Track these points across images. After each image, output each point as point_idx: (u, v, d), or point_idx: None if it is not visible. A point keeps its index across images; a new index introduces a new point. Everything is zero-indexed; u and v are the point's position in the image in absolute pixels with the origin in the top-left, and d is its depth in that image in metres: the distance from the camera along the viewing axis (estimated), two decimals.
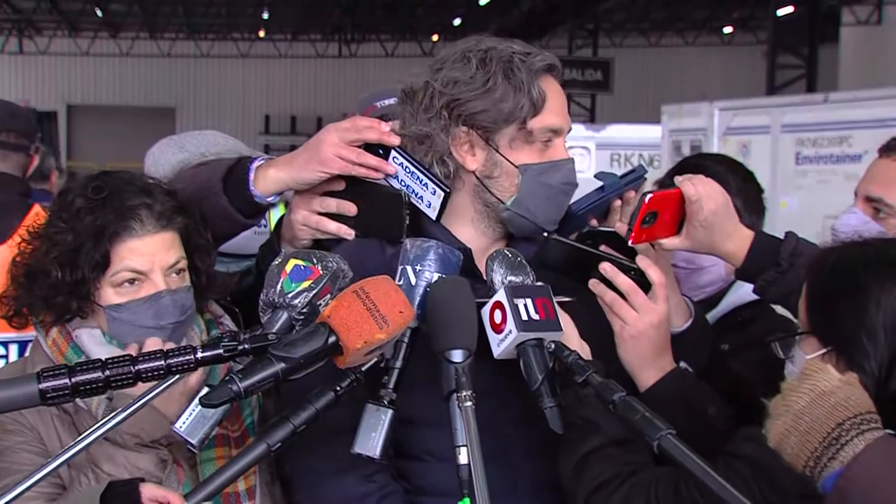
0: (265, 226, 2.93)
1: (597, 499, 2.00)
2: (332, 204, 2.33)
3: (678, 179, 2.22)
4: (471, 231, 2.27)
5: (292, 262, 1.90)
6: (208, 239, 2.27)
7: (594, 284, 2.21)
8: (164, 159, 2.81)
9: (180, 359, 1.74)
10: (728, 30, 31.99)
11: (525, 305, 1.95)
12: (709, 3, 27.90)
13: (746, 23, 30.19)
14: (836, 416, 1.62)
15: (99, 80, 35.46)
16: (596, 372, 1.91)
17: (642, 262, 2.22)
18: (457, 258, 2.07)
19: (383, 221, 2.28)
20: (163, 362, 1.73)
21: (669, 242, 2.24)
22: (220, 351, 1.76)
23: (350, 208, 2.33)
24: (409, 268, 2.02)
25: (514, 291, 1.97)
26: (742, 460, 1.91)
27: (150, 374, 1.72)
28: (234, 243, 2.53)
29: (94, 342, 2.17)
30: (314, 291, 1.88)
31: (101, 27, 33.74)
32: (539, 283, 2.04)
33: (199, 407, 1.73)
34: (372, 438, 1.91)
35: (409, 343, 1.96)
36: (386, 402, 1.93)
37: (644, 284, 2.21)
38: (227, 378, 1.73)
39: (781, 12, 19.54)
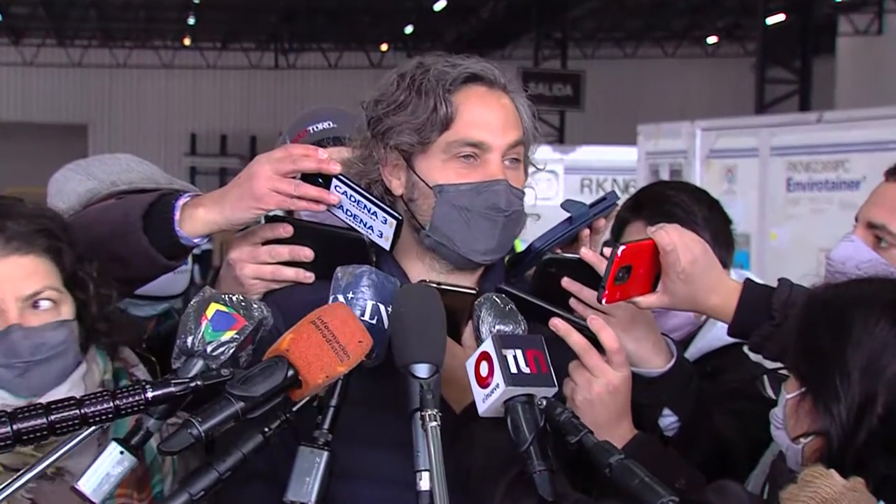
0: (185, 264, 2.92)
1: None
2: (284, 252, 2.33)
3: (650, 230, 2.19)
4: (419, 267, 2.31)
5: (213, 307, 1.95)
6: (92, 270, 2.23)
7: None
8: (68, 188, 2.79)
9: (129, 399, 1.82)
10: (712, 40, 32.44)
11: (515, 357, 1.96)
12: (690, 10, 28.23)
13: (732, 32, 30.62)
14: None
15: None
16: (590, 432, 1.92)
17: (594, 323, 2.18)
18: (392, 284, 2.14)
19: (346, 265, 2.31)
20: (111, 403, 1.81)
21: (646, 300, 2.20)
22: (172, 388, 1.84)
23: (306, 253, 2.33)
24: (340, 296, 2.10)
25: (503, 341, 1.98)
26: None
27: (98, 417, 1.80)
28: (150, 284, 2.52)
29: None
30: (237, 342, 1.93)
31: (0, 33, 33.49)
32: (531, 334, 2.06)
33: (102, 464, 1.82)
34: (306, 483, 1.92)
35: (344, 380, 1.97)
36: (321, 444, 1.95)
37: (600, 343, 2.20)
38: (184, 422, 1.78)
39: (771, 21, 19.86)
